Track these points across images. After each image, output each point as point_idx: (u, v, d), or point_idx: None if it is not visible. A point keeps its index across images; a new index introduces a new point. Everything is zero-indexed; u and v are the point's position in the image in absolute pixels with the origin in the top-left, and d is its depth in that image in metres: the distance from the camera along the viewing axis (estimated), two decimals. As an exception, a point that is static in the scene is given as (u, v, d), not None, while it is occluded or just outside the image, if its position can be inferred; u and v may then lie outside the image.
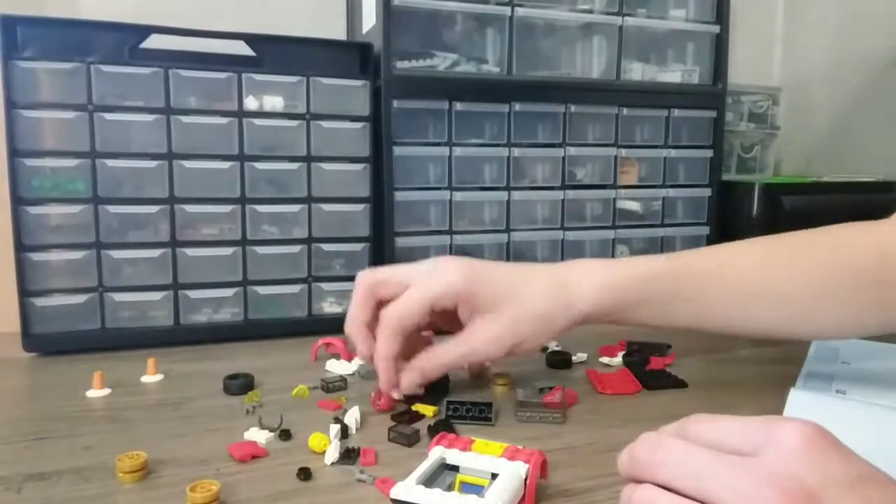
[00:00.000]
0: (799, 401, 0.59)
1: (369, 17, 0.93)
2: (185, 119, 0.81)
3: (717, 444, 0.32)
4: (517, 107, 0.92)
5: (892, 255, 0.59)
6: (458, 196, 0.91)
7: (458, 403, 0.59)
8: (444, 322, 0.62)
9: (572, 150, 0.96)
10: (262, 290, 0.87)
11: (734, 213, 1.05)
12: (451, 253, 0.92)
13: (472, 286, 0.58)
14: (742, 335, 0.71)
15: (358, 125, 0.89)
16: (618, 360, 0.76)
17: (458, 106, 0.89)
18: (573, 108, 0.95)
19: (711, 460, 0.31)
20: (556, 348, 0.80)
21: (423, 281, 0.58)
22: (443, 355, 0.60)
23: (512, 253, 0.95)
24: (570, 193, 0.97)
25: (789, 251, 0.63)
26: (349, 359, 0.75)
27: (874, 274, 0.59)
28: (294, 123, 0.86)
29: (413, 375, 0.60)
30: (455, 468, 0.45)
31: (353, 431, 0.56)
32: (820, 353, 0.77)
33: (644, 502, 0.32)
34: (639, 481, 0.33)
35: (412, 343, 0.60)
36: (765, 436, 0.31)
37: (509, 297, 0.58)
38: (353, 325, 0.60)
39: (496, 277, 0.60)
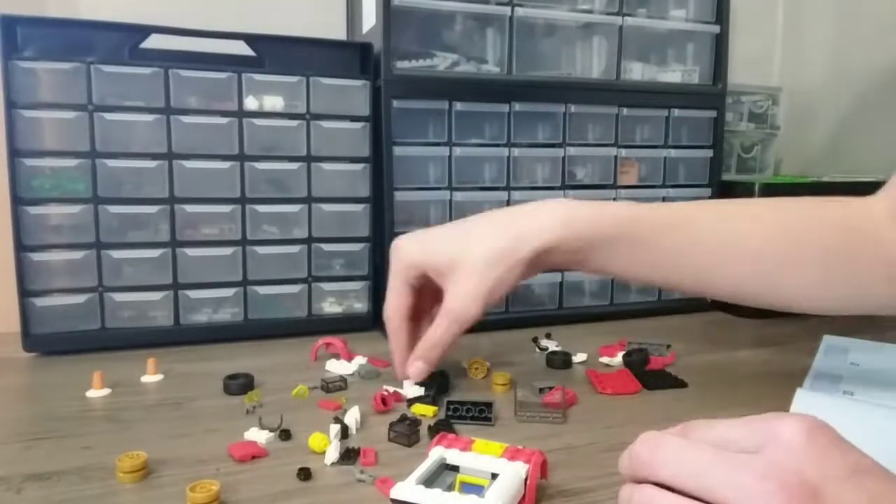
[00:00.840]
0: (805, 401, 0.59)
1: (369, 17, 0.93)
2: (185, 119, 0.81)
3: (718, 443, 0.32)
4: (517, 107, 0.92)
5: (859, 231, 0.59)
6: (458, 196, 0.91)
7: (458, 403, 0.59)
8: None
9: (572, 150, 0.96)
10: (262, 290, 0.87)
11: (734, 213, 1.04)
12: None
13: (426, 254, 0.61)
14: (708, 293, 0.68)
15: (358, 125, 0.89)
16: (618, 359, 0.76)
17: (458, 106, 0.89)
18: (573, 108, 0.95)
19: (712, 458, 0.31)
20: (556, 348, 0.80)
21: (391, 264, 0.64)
22: (433, 335, 0.62)
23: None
24: (570, 193, 0.97)
25: (757, 214, 0.62)
26: (349, 359, 0.75)
27: (841, 250, 0.58)
28: (294, 123, 0.86)
29: (420, 364, 0.63)
30: (455, 468, 0.45)
31: (353, 431, 0.56)
32: (829, 352, 0.77)
33: (644, 502, 0.32)
34: (640, 481, 0.33)
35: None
36: (765, 433, 0.31)
37: (463, 253, 0.59)
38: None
39: (445, 238, 0.62)
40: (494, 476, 0.43)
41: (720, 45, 1.03)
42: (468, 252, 0.59)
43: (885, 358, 0.77)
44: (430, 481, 0.43)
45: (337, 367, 0.73)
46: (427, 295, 0.66)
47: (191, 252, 0.83)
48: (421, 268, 0.62)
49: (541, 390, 0.65)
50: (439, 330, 0.61)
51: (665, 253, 0.60)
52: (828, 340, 0.82)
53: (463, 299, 0.59)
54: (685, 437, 0.34)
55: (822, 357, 0.76)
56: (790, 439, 0.30)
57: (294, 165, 0.86)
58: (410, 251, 0.62)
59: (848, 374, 0.70)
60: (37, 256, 0.78)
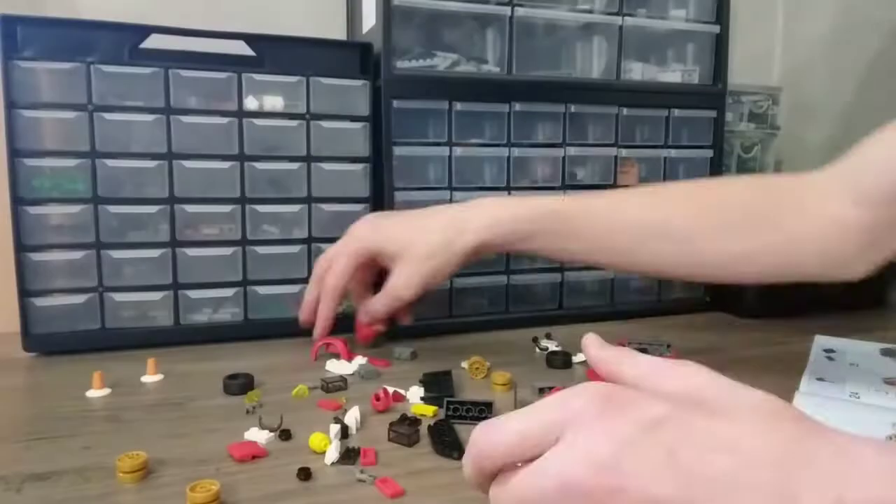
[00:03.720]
0: (803, 405, 0.59)
1: (369, 17, 0.93)
2: (185, 119, 0.81)
3: (519, 445, 0.31)
4: (517, 107, 0.92)
5: (791, 199, 0.62)
6: (459, 196, 0.91)
7: (458, 403, 0.58)
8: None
9: (572, 150, 0.96)
10: (262, 290, 0.87)
11: (734, 213, 1.04)
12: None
13: (379, 241, 0.73)
14: (635, 271, 0.83)
15: (358, 125, 0.89)
16: (618, 360, 0.76)
17: (458, 106, 0.89)
18: (573, 108, 0.95)
19: (521, 476, 0.30)
20: (556, 348, 0.80)
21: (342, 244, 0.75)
22: (374, 305, 0.76)
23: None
24: (571, 193, 0.97)
25: (683, 194, 0.69)
26: (349, 359, 0.75)
27: (766, 214, 0.62)
28: (294, 123, 0.86)
29: (364, 318, 0.79)
30: None
31: (353, 431, 0.56)
32: (820, 355, 0.77)
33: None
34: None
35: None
36: (562, 413, 0.30)
37: (409, 243, 0.71)
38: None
39: (397, 228, 0.74)
40: None
41: (720, 45, 1.03)
42: (413, 243, 0.71)
43: (882, 359, 0.77)
44: None
45: (337, 367, 0.73)
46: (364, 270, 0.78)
47: (191, 252, 0.83)
48: (372, 249, 0.73)
49: (541, 390, 0.65)
50: (379, 304, 0.75)
51: (585, 240, 0.68)
52: (820, 341, 0.82)
53: (405, 282, 0.72)
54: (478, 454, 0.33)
55: (819, 358, 0.76)
56: (585, 416, 0.29)
57: (294, 165, 0.86)
58: (366, 234, 0.74)
59: (851, 375, 0.70)
60: (37, 256, 0.78)
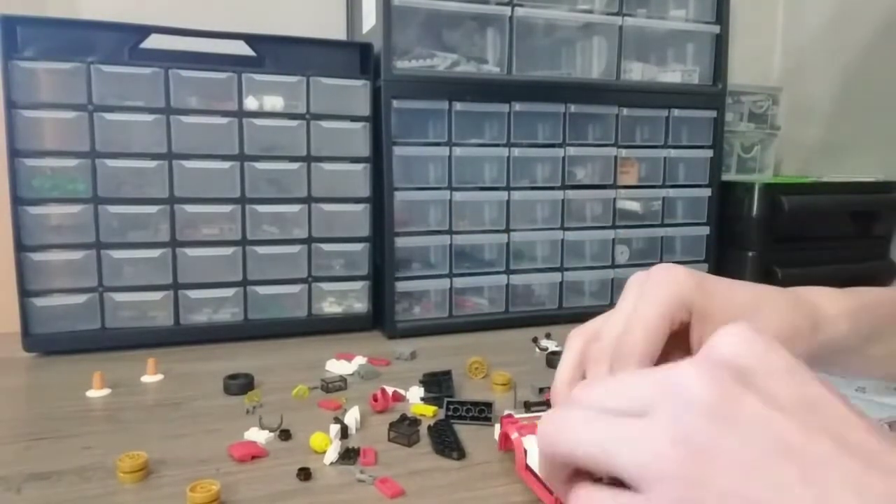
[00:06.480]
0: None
1: (369, 17, 0.93)
2: (185, 119, 0.81)
3: (613, 407, 0.28)
4: (517, 107, 0.92)
5: None
6: (458, 196, 0.91)
7: (458, 403, 0.59)
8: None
9: (572, 150, 0.96)
10: (262, 290, 0.87)
11: (734, 213, 1.04)
12: (450, 253, 0.92)
13: (706, 295, 0.43)
14: None
15: (358, 125, 0.89)
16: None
17: (458, 106, 0.89)
18: (573, 108, 0.95)
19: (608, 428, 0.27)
20: (556, 348, 0.80)
21: (641, 301, 0.42)
22: None
23: (512, 253, 0.95)
24: (570, 193, 0.97)
25: None
26: (349, 358, 0.75)
27: None
28: (294, 123, 0.86)
29: None
30: None
31: (353, 431, 0.56)
32: None
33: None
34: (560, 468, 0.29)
35: None
36: (660, 388, 0.27)
37: (752, 311, 0.45)
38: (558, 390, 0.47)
39: (731, 289, 0.46)
40: None
41: (720, 45, 1.03)
42: (760, 313, 0.45)
43: None
44: None
45: (337, 367, 0.73)
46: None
47: (191, 252, 0.83)
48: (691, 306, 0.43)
49: (541, 390, 0.65)
50: None
51: None
52: None
53: None
54: (581, 403, 0.29)
55: None
56: (688, 392, 0.26)
57: (294, 165, 0.86)
58: (689, 281, 0.44)
59: None
60: (37, 256, 0.78)
